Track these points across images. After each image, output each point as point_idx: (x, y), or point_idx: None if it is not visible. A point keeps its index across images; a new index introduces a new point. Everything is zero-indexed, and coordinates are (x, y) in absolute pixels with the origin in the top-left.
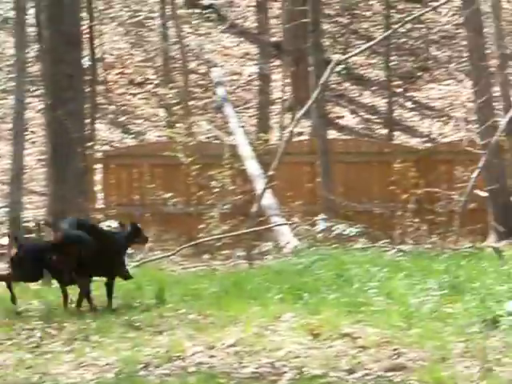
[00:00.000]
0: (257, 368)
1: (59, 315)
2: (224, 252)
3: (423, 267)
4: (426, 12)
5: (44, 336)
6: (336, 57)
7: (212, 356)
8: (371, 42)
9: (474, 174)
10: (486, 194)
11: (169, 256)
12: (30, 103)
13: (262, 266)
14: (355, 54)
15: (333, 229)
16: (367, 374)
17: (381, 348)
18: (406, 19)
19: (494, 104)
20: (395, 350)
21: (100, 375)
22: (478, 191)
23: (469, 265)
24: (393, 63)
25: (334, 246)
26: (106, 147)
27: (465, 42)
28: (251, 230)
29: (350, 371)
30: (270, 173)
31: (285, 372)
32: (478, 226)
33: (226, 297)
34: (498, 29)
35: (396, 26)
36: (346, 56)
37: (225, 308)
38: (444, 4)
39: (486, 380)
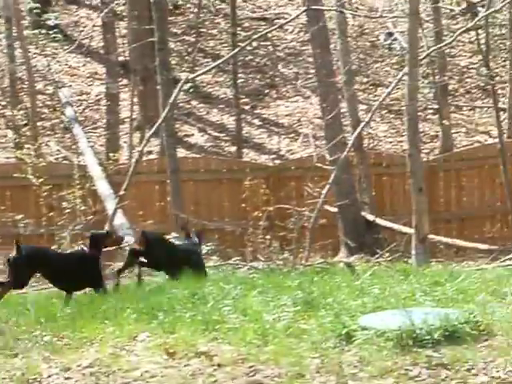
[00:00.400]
0: None
1: None
2: None
3: (277, 284)
4: (273, 30)
5: None
6: (184, 75)
7: (68, 378)
8: (220, 60)
9: (325, 190)
10: (335, 210)
11: None
12: None
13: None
14: (204, 72)
15: None
16: None
17: (237, 365)
18: (253, 37)
19: (341, 120)
20: (251, 367)
21: None
22: (328, 207)
23: (322, 280)
24: (240, 81)
25: None
26: None
27: (311, 59)
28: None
29: None
30: (121, 192)
31: None
32: (328, 242)
33: (81, 318)
34: (344, 45)
35: (243, 44)
36: (196, 74)
37: (79, 329)
38: (290, 21)
39: None
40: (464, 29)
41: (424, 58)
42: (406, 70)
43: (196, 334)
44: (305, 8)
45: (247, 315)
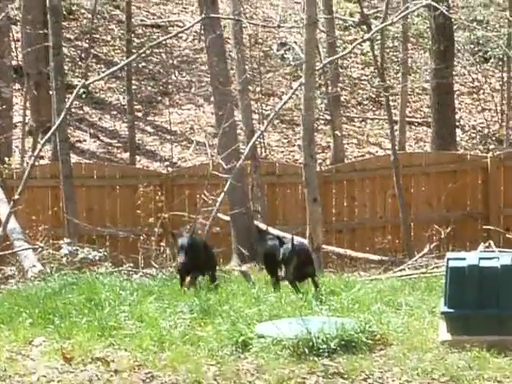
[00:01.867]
0: None
1: None
2: None
3: (172, 291)
4: (170, 37)
5: None
6: (77, 81)
7: None
8: (116, 67)
9: (220, 198)
10: (228, 218)
11: None
12: None
13: (8, 290)
14: (102, 78)
15: (77, 253)
16: None
17: (134, 372)
18: (150, 44)
19: (236, 129)
20: (148, 373)
21: None
22: (221, 215)
23: (218, 288)
24: (133, 87)
25: (80, 270)
26: None
27: (204, 67)
28: None
29: None
30: (16, 197)
31: None
32: (221, 250)
33: None
34: (240, 54)
35: (140, 52)
36: (92, 80)
37: None
38: (187, 29)
39: None
40: (361, 40)
41: (320, 69)
42: (302, 80)
43: (92, 340)
44: (203, 16)
45: (144, 321)
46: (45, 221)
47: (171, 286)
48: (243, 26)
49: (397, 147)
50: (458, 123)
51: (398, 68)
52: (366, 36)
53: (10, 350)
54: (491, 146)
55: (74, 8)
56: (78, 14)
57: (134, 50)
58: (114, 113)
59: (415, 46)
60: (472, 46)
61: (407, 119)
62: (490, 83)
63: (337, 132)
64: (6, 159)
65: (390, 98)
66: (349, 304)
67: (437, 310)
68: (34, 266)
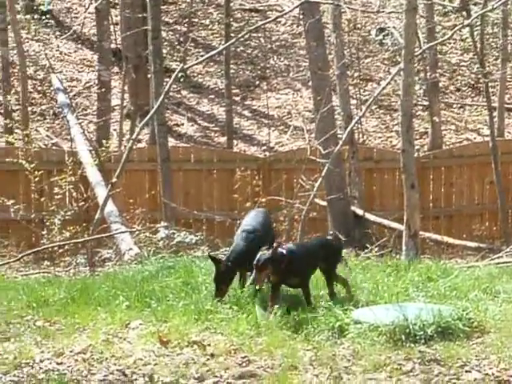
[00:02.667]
0: (106, 375)
1: None
2: (65, 259)
3: None
4: (269, 22)
5: None
6: (175, 65)
7: (61, 363)
8: (215, 51)
9: (317, 183)
10: (325, 203)
11: (11, 262)
12: None
13: (106, 273)
14: (200, 62)
15: (174, 236)
16: (217, 382)
17: (230, 355)
18: (249, 28)
19: (333, 114)
20: (244, 357)
21: None
22: (318, 200)
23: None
24: (231, 71)
25: (177, 253)
26: None
27: (302, 52)
28: (93, 237)
29: (200, 379)
30: (114, 180)
31: (135, 379)
32: (318, 235)
33: (73, 304)
34: (338, 39)
35: (239, 36)
36: (191, 64)
37: (72, 315)
38: (285, 14)
39: None
40: (460, 26)
41: (419, 55)
42: (401, 65)
43: (189, 323)
44: (302, 1)
45: (240, 306)
46: (142, 204)
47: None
48: (342, 10)
49: (495, 134)
50: None
51: (497, 54)
52: (466, 22)
53: (106, 333)
54: None
55: None
56: None
57: (232, 35)
58: (212, 97)
59: None
60: None
61: (506, 106)
62: None
63: (435, 118)
64: (104, 142)
65: (489, 84)
66: (446, 291)
67: None
68: (131, 249)
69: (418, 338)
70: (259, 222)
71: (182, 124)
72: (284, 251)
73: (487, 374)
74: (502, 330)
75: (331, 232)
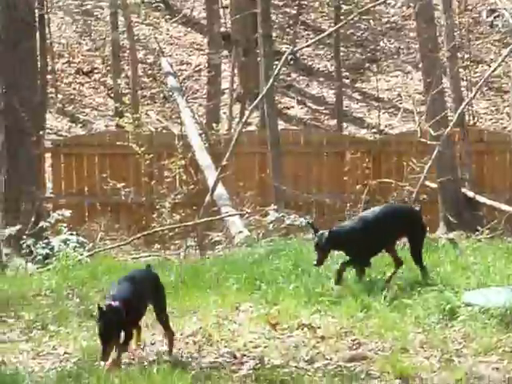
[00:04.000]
0: (216, 357)
1: (15, 304)
2: (175, 242)
3: (381, 259)
4: (378, 4)
5: (1, 325)
6: (285, 48)
7: None
8: (324, 33)
9: (427, 166)
10: (435, 186)
11: (122, 245)
12: None
13: (216, 255)
14: (309, 45)
15: (284, 219)
16: (328, 364)
17: (340, 338)
18: (358, 11)
19: (444, 96)
20: (355, 340)
21: (59, 364)
22: (428, 183)
23: (425, 255)
24: (341, 54)
25: (287, 236)
26: (54, 136)
27: (412, 34)
28: (203, 220)
29: (310, 361)
30: (224, 163)
31: (245, 362)
32: (427, 217)
33: (183, 286)
34: (449, 20)
35: (349, 18)
36: (300, 46)
37: (182, 298)
38: None
39: (446, 370)
40: None
41: None
42: None
43: (299, 306)
44: None
45: (351, 288)
46: (251, 187)
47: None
48: None
49: None
50: None
51: None
52: None
53: (217, 315)
54: None
55: None
56: None
57: (342, 17)
58: (322, 79)
59: None
60: None
61: None
62: None
63: None
64: (214, 125)
65: None
66: None
67: None
68: (241, 231)
69: None
70: None
71: (292, 107)
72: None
73: None
74: None
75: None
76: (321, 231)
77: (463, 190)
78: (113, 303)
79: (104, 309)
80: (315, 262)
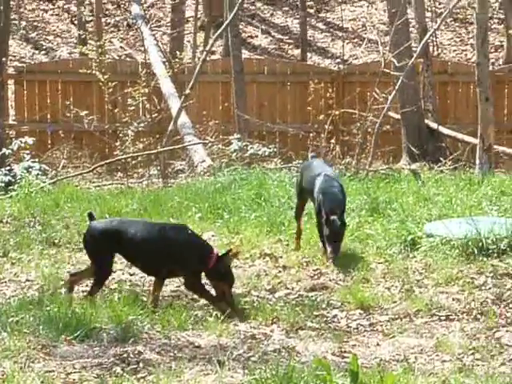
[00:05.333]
0: (178, 286)
1: None
2: (138, 170)
3: None
4: None
5: None
6: None
7: (133, 274)
8: None
9: (391, 96)
10: (398, 117)
11: (85, 173)
12: None
13: (178, 184)
14: None
15: (247, 148)
16: (289, 294)
17: (302, 268)
18: None
19: (408, 26)
20: (316, 270)
21: (21, 291)
22: (391, 113)
23: (387, 186)
24: None
25: (250, 165)
26: (17, 63)
27: None
28: (166, 148)
29: (272, 290)
30: (187, 91)
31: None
32: (390, 148)
33: (146, 215)
34: None
35: None
36: None
37: None
38: None
39: (407, 300)
40: None
41: None
42: None
43: (261, 236)
44: None
45: (312, 218)
46: (215, 116)
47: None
48: None
49: None
50: None
51: None
52: None
53: None
54: None
55: None
56: None
57: None
58: (286, 9)
59: None
60: None
61: None
62: None
63: (511, 31)
64: (178, 54)
65: None
66: None
67: None
68: (204, 160)
69: (490, 251)
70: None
71: (256, 36)
72: None
73: None
74: None
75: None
76: None
77: (426, 121)
78: None
79: None
80: None
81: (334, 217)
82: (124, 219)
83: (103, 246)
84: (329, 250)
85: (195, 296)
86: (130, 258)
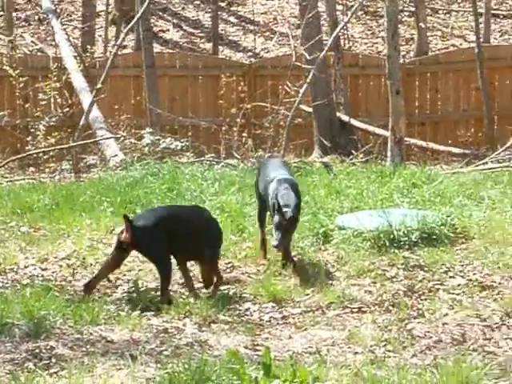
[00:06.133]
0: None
1: None
2: (50, 165)
3: (254, 181)
4: None
5: None
6: None
7: (45, 269)
8: None
9: (302, 89)
10: (310, 110)
11: None
12: None
13: (91, 179)
14: None
15: (159, 142)
16: (201, 287)
17: None
18: None
19: (319, 19)
20: (229, 263)
21: None
22: (303, 106)
23: (299, 179)
24: None
25: (162, 159)
26: None
27: None
28: (78, 143)
29: (183, 284)
30: (98, 86)
31: (119, 285)
32: (303, 141)
33: (58, 210)
34: None
35: None
36: None
37: (56, 221)
38: None
39: (320, 293)
40: None
41: None
42: None
43: None
44: None
45: (226, 212)
46: (127, 110)
47: (252, 177)
48: None
49: (481, 40)
50: None
51: None
52: None
53: (91, 239)
54: None
55: None
56: None
57: None
58: (198, 2)
59: None
60: None
61: (492, 11)
62: None
63: (421, 24)
64: (89, 48)
65: None
66: (430, 197)
67: None
68: (116, 155)
69: (402, 243)
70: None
71: (168, 30)
72: None
73: (471, 279)
74: (485, 235)
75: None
76: None
77: (338, 113)
78: None
79: None
80: None
81: (286, 209)
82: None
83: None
84: (273, 237)
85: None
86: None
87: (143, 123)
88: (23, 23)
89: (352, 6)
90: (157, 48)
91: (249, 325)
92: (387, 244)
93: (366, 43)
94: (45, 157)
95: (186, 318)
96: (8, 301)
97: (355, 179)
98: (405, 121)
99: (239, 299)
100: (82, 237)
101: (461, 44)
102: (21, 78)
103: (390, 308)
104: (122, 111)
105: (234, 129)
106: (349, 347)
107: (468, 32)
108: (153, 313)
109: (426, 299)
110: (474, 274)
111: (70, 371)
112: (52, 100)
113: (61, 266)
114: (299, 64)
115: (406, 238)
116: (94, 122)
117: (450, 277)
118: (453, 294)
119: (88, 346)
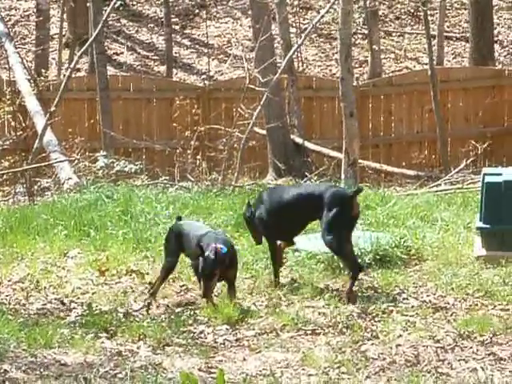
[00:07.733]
0: (44, 304)
1: None
2: (4, 188)
3: (208, 204)
4: None
5: None
6: None
7: None
8: None
9: (256, 112)
10: (264, 132)
11: None
12: None
13: (44, 202)
14: None
15: (113, 165)
16: (156, 308)
17: (168, 284)
18: None
19: (273, 42)
20: (183, 285)
21: None
22: (257, 129)
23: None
24: (171, 0)
25: (116, 182)
26: None
27: None
28: (32, 166)
29: (139, 307)
30: (52, 109)
31: (73, 308)
32: (257, 164)
33: (11, 233)
34: None
35: None
36: None
37: (10, 244)
38: None
39: (274, 315)
40: None
41: None
42: None
43: (127, 252)
44: None
45: None
46: (81, 133)
47: (206, 200)
48: None
49: (435, 62)
50: (496, 38)
51: None
52: None
53: (45, 262)
54: None
55: None
56: None
57: None
58: (151, 25)
59: None
60: None
61: (445, 34)
62: None
63: (374, 46)
64: (43, 71)
65: (429, 12)
66: (384, 219)
67: (472, 226)
68: (70, 178)
69: None
70: None
71: (122, 53)
72: None
73: (424, 301)
74: (439, 257)
75: None
76: None
77: (292, 136)
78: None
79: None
80: None
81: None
82: None
83: None
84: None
85: None
86: None
87: (97, 146)
88: None
89: (305, 28)
90: (111, 71)
91: (203, 347)
92: (341, 266)
93: (319, 66)
94: None
95: (139, 340)
96: None
97: None
98: (359, 143)
99: (193, 322)
100: (36, 260)
101: (414, 66)
102: None
103: (344, 330)
104: (75, 134)
105: (188, 151)
106: (303, 369)
107: (421, 54)
108: (107, 336)
109: (379, 321)
110: (428, 295)
111: None
112: (6, 123)
113: (14, 290)
114: (253, 86)
115: (360, 260)
116: (48, 145)
117: (404, 298)
118: (406, 315)
119: (42, 370)
